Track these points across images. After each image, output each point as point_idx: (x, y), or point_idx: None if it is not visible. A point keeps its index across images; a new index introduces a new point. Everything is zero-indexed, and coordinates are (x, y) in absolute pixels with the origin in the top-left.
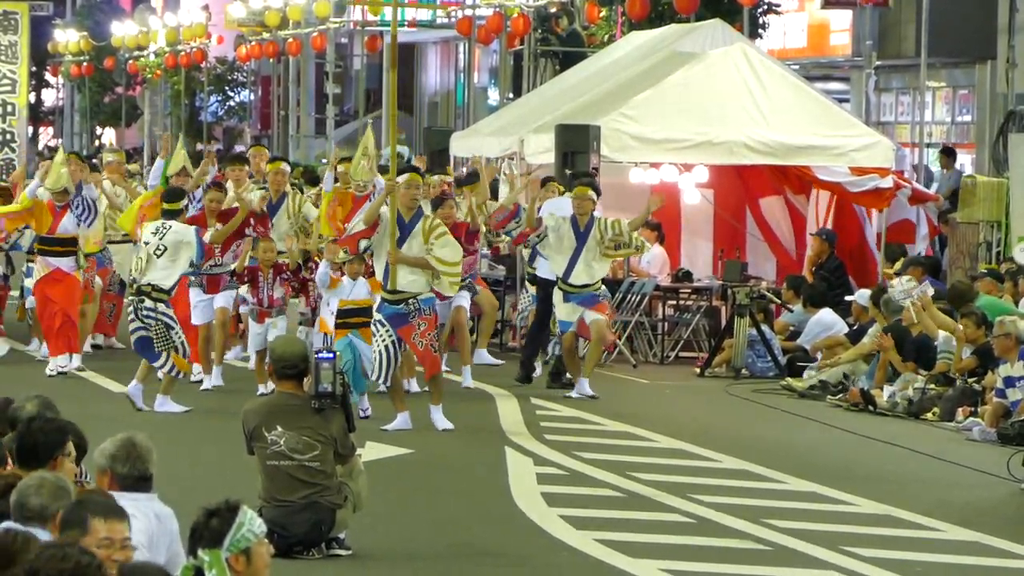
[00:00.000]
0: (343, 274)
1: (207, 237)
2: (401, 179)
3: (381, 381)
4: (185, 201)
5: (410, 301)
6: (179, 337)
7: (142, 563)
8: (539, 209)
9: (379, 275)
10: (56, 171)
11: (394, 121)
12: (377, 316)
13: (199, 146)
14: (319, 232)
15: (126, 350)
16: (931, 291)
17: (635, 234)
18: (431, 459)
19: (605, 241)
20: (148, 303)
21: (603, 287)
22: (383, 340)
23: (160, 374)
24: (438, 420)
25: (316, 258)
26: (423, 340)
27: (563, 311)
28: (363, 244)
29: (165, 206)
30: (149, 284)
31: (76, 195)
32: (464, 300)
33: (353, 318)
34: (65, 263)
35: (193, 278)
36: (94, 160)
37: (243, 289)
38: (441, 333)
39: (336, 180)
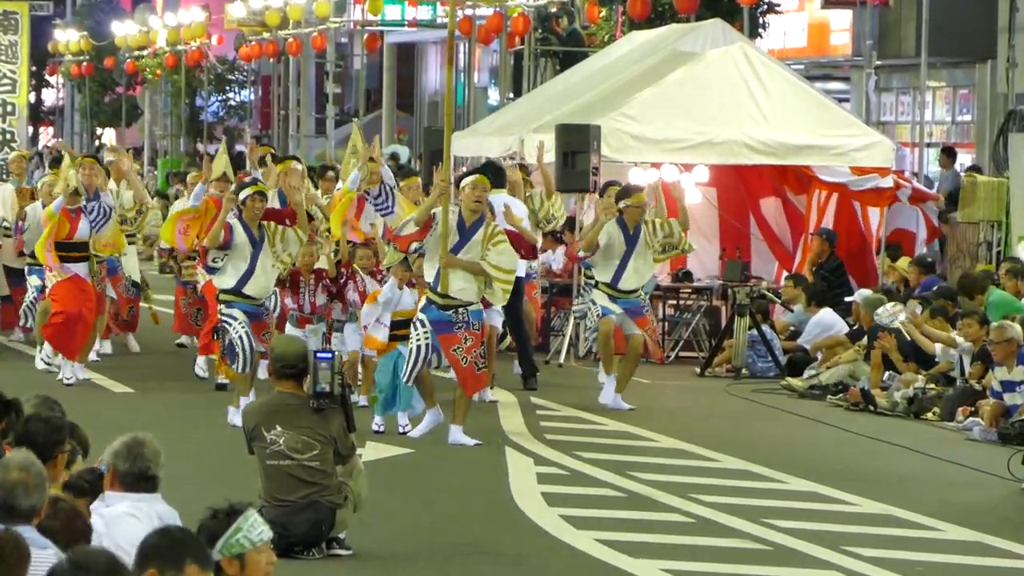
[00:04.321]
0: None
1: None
2: (467, 181)
3: (406, 380)
4: (245, 194)
5: (459, 310)
6: (236, 332)
7: (88, 549)
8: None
9: (429, 277)
10: (63, 175)
11: (449, 119)
12: (420, 316)
13: (199, 146)
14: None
15: (140, 357)
16: (919, 309)
17: (685, 234)
18: (431, 459)
19: (655, 244)
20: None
21: (645, 295)
22: (419, 339)
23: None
24: (458, 438)
25: (347, 267)
26: (467, 356)
27: (608, 304)
28: (414, 245)
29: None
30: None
31: (93, 200)
32: (496, 319)
33: (400, 330)
34: (82, 269)
35: None
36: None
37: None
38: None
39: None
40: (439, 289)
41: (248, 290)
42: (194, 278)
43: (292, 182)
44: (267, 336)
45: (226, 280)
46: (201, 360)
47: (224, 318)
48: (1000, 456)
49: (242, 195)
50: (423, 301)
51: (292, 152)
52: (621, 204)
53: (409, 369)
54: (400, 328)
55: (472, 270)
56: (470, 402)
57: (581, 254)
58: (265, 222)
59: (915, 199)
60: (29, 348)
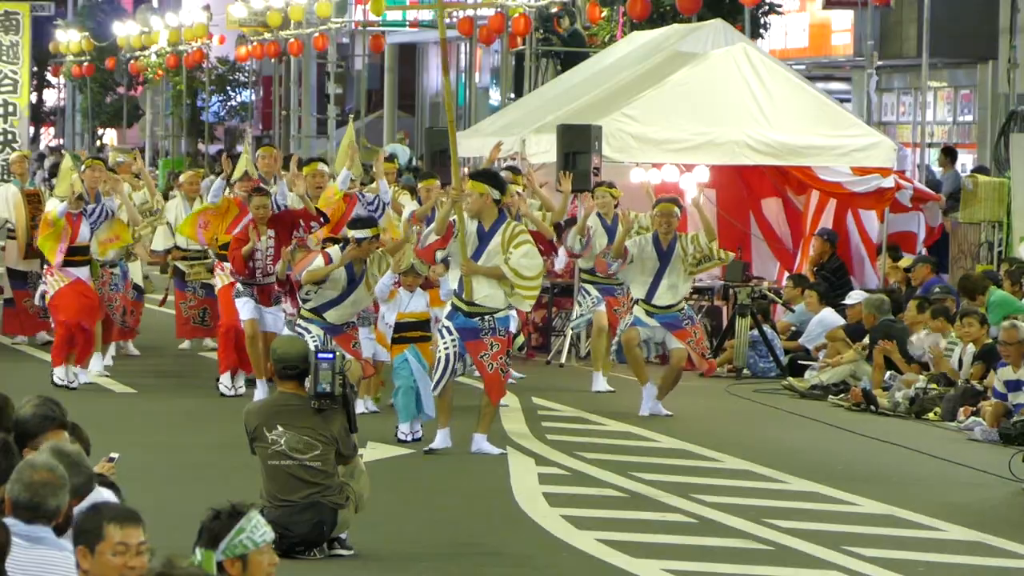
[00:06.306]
0: (399, 285)
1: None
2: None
3: (433, 390)
4: (362, 234)
5: (486, 317)
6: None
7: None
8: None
9: (454, 284)
10: (66, 179)
11: (453, 124)
12: (446, 323)
13: (200, 146)
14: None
15: (141, 358)
16: (944, 343)
17: (714, 245)
18: (432, 459)
19: (688, 259)
20: None
21: (686, 307)
22: (446, 347)
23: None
24: (483, 446)
25: None
26: (494, 363)
27: (643, 317)
28: (439, 255)
29: (350, 233)
30: None
31: (96, 203)
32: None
33: (410, 332)
34: (83, 273)
35: (242, 288)
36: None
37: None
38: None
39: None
40: (464, 296)
41: (329, 316)
42: (199, 279)
43: (319, 184)
44: (356, 347)
45: (312, 301)
46: (225, 378)
47: (300, 329)
48: (1001, 456)
49: (359, 234)
50: (448, 307)
51: (292, 152)
52: (651, 212)
53: (437, 379)
54: (410, 330)
55: (493, 275)
56: (496, 412)
57: (613, 267)
58: (368, 260)
59: (916, 200)
60: (29, 348)
